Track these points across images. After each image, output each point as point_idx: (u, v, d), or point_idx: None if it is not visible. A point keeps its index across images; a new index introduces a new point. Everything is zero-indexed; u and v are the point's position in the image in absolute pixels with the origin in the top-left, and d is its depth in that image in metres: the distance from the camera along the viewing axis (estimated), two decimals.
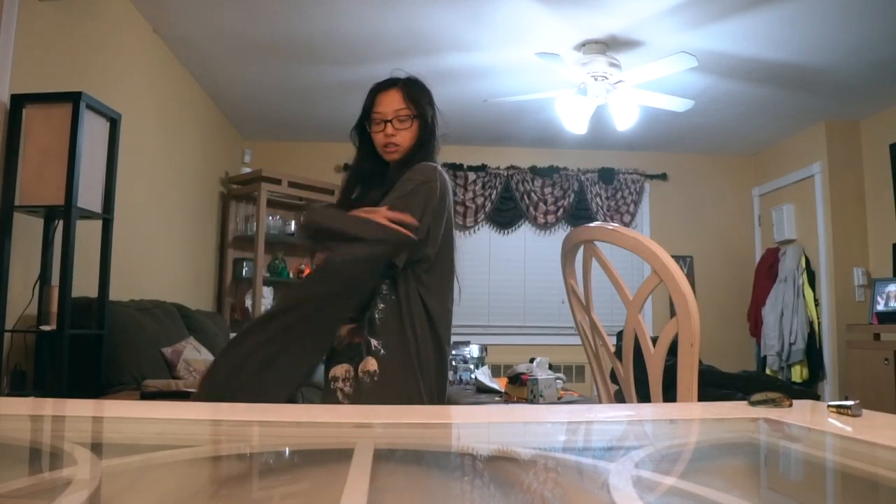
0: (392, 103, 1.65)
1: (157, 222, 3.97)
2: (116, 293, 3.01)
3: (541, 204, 6.03)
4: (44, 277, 2.62)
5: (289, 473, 0.71)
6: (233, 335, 2.68)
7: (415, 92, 1.67)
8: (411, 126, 1.65)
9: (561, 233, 6.00)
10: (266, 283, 5.31)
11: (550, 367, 3.83)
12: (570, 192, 6.07)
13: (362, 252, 1.49)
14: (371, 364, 1.54)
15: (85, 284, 2.76)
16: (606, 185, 6.13)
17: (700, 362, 1.38)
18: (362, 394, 1.54)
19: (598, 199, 6.09)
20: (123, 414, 0.96)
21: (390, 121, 1.64)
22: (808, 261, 5.40)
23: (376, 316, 1.58)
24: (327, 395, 1.60)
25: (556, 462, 0.75)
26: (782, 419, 0.87)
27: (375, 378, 1.54)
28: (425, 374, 1.55)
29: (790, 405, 0.91)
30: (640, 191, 6.17)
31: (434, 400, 1.57)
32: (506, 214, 6.04)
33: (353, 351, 1.58)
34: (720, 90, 4.60)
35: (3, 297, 2.44)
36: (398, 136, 1.64)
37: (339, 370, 1.58)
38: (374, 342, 1.56)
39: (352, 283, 1.50)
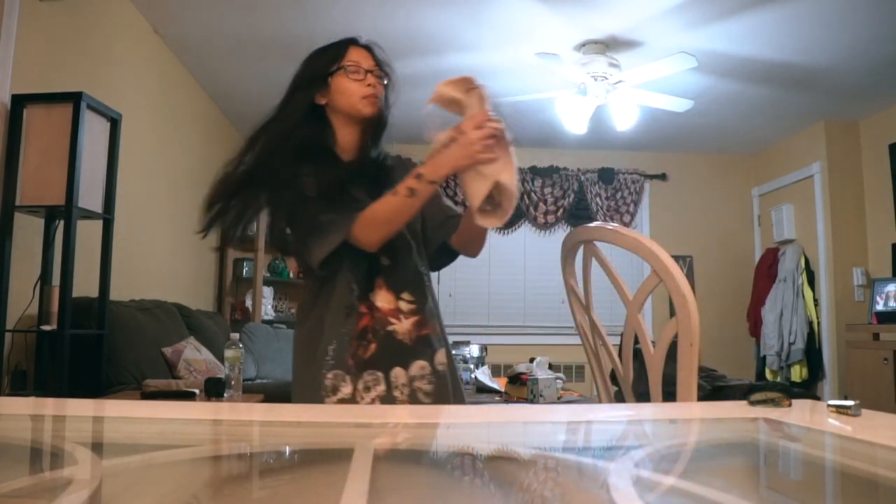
0: (366, 59, 1.49)
1: (157, 222, 3.97)
2: (117, 293, 3.01)
3: (541, 204, 6.03)
4: (44, 277, 2.62)
5: (289, 473, 0.71)
6: (233, 334, 2.67)
7: (384, 54, 1.52)
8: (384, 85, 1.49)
9: (561, 233, 5.99)
10: (266, 282, 5.31)
11: (550, 367, 3.84)
12: (570, 192, 6.07)
13: None
14: (442, 355, 1.43)
15: (85, 284, 2.76)
16: (606, 185, 6.13)
17: (704, 368, 1.38)
18: (443, 389, 1.40)
19: (598, 199, 6.09)
20: (124, 414, 0.96)
21: (371, 71, 1.47)
22: (807, 261, 5.39)
23: (433, 303, 1.47)
24: (401, 403, 1.36)
25: (556, 462, 0.75)
26: (782, 419, 0.87)
27: (448, 368, 1.43)
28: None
29: (790, 405, 0.91)
30: (639, 191, 6.17)
31: None
32: None
33: (425, 343, 1.41)
34: (720, 90, 4.60)
35: (3, 297, 2.44)
36: (378, 89, 1.47)
37: (416, 368, 1.39)
38: (439, 330, 1.45)
39: None
